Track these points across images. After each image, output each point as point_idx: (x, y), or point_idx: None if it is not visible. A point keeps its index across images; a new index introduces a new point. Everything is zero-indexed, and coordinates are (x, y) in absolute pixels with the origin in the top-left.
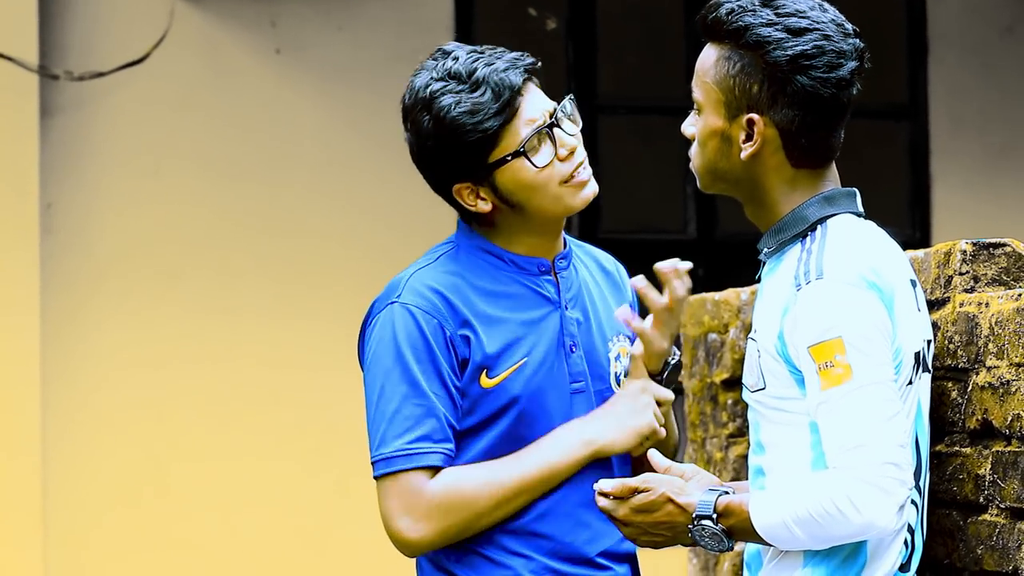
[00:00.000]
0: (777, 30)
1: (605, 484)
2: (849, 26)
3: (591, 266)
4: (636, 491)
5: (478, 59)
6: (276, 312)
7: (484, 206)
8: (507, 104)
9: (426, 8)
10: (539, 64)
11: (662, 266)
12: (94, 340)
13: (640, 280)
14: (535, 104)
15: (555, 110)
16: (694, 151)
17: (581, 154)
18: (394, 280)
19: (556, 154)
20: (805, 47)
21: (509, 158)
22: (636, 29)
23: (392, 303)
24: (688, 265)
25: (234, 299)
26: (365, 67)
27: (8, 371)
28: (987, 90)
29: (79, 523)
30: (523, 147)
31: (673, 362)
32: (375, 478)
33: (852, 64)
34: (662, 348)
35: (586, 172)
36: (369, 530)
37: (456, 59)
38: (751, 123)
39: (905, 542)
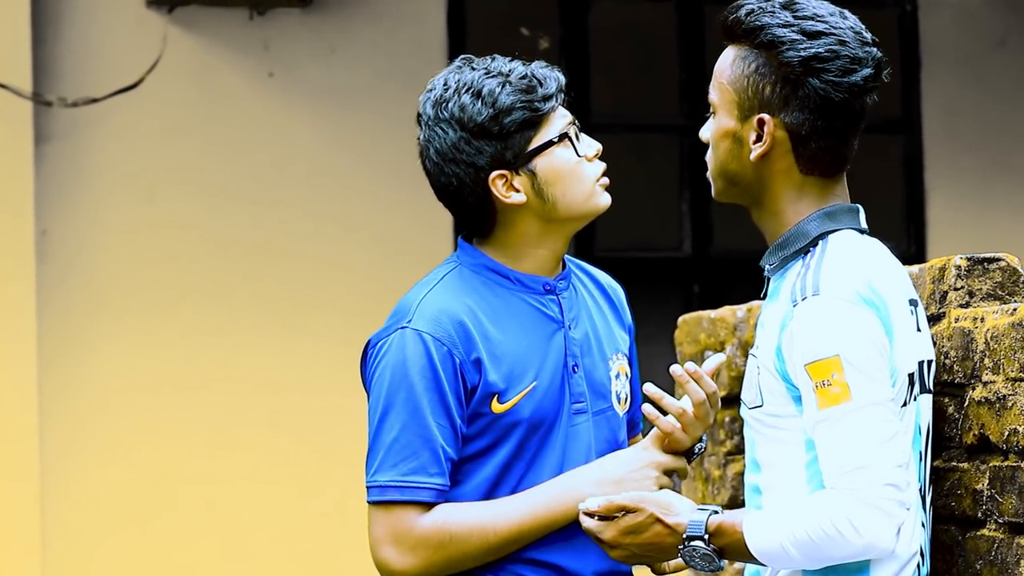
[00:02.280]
0: (793, 31)
1: (592, 503)
2: (868, 35)
3: (589, 285)
4: (623, 509)
5: (512, 61)
6: (273, 334)
7: (518, 197)
8: (551, 95)
9: (418, 29)
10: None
11: (676, 371)
12: (91, 366)
13: (651, 388)
14: (562, 111)
15: (574, 120)
16: (709, 156)
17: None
18: (403, 303)
19: (587, 153)
20: (819, 50)
21: (556, 139)
22: (629, 47)
23: (403, 327)
24: (718, 360)
25: (231, 322)
26: (358, 89)
27: (5, 398)
28: (981, 103)
29: (77, 548)
30: (567, 131)
31: (697, 453)
32: (368, 502)
33: (867, 71)
34: (685, 446)
35: (607, 180)
36: (368, 553)
37: (493, 59)
38: (761, 123)
39: (918, 566)
